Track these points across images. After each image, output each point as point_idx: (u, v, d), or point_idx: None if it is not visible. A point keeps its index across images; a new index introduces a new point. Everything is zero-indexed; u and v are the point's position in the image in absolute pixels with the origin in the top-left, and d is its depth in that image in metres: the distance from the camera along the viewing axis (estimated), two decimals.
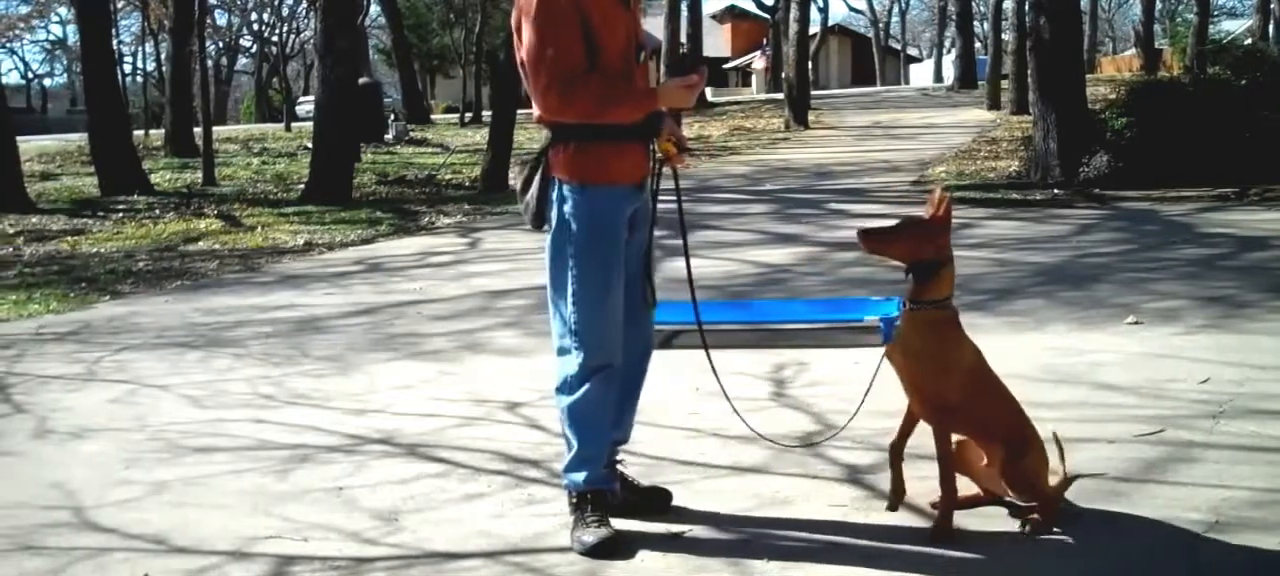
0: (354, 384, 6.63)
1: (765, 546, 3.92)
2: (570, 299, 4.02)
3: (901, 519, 4.09)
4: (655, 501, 4.31)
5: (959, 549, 3.80)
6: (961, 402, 3.96)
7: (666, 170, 4.18)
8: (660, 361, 6.67)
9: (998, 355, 6.36)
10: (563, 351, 4.10)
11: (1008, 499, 4.06)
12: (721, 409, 5.49)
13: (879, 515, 4.12)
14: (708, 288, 8.83)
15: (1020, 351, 6.51)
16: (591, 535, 3.99)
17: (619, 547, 3.96)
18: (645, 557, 3.89)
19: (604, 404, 4.12)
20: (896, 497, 4.09)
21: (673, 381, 6.18)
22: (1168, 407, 5.28)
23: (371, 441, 5.43)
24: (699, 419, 5.45)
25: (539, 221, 4.06)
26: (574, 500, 4.13)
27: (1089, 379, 5.86)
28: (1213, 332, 6.75)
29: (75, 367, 7.35)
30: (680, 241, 4.28)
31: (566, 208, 3.99)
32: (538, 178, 4.03)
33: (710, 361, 4.44)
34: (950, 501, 3.95)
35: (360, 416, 5.88)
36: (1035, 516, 3.95)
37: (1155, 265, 9.21)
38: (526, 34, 3.90)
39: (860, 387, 5.83)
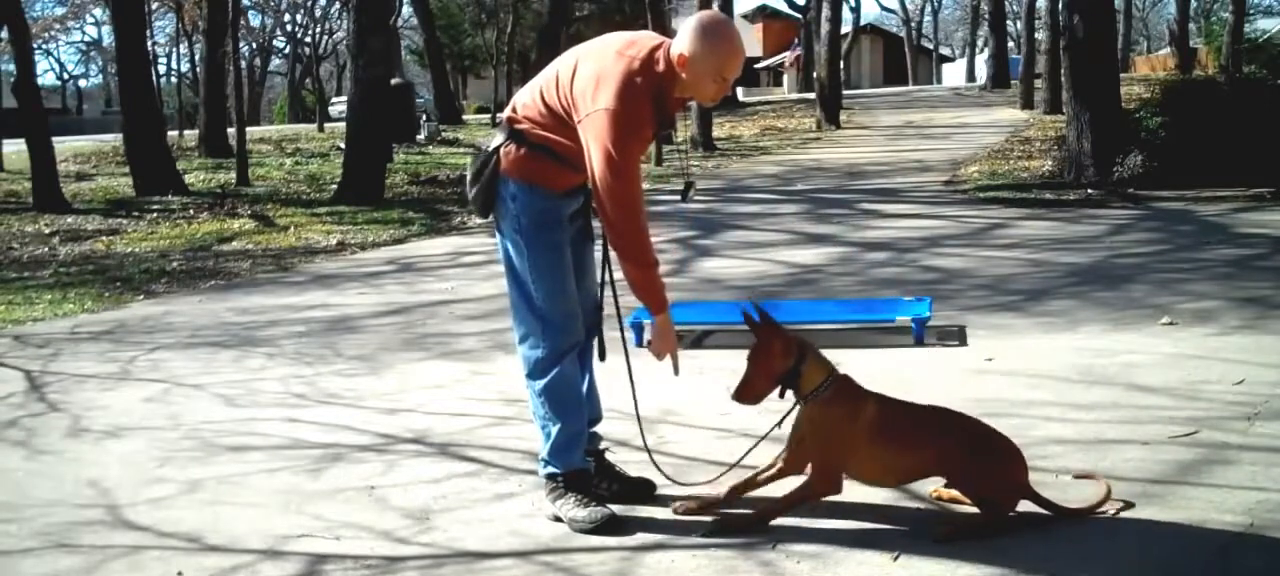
0: (386, 383, 6.66)
1: (796, 546, 3.91)
2: (531, 286, 4.18)
3: (933, 518, 4.07)
4: (640, 490, 4.42)
5: (991, 548, 3.77)
6: (862, 461, 4.03)
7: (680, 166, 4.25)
8: (692, 361, 6.69)
9: (1031, 355, 6.39)
10: (527, 338, 4.25)
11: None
12: (752, 409, 5.49)
13: (909, 514, 4.10)
14: (738, 288, 8.83)
15: (1053, 352, 6.48)
16: (586, 512, 4.15)
17: (620, 525, 4.13)
18: (676, 557, 3.88)
19: (578, 383, 4.30)
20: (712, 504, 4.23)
21: (703, 381, 6.17)
22: (1202, 409, 5.24)
23: (403, 441, 5.45)
24: (729, 419, 5.44)
25: (485, 210, 4.25)
26: (558, 483, 4.26)
27: (1122, 380, 5.82)
28: (1248, 334, 6.70)
29: (110, 367, 7.41)
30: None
31: (514, 203, 4.16)
32: (488, 173, 4.20)
33: (628, 366, 4.45)
34: (772, 509, 4.07)
35: (392, 416, 5.90)
36: (948, 529, 3.94)
37: (1190, 265, 9.14)
38: (609, 137, 3.89)
39: (889, 387, 5.83)
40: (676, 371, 4.22)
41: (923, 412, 4.16)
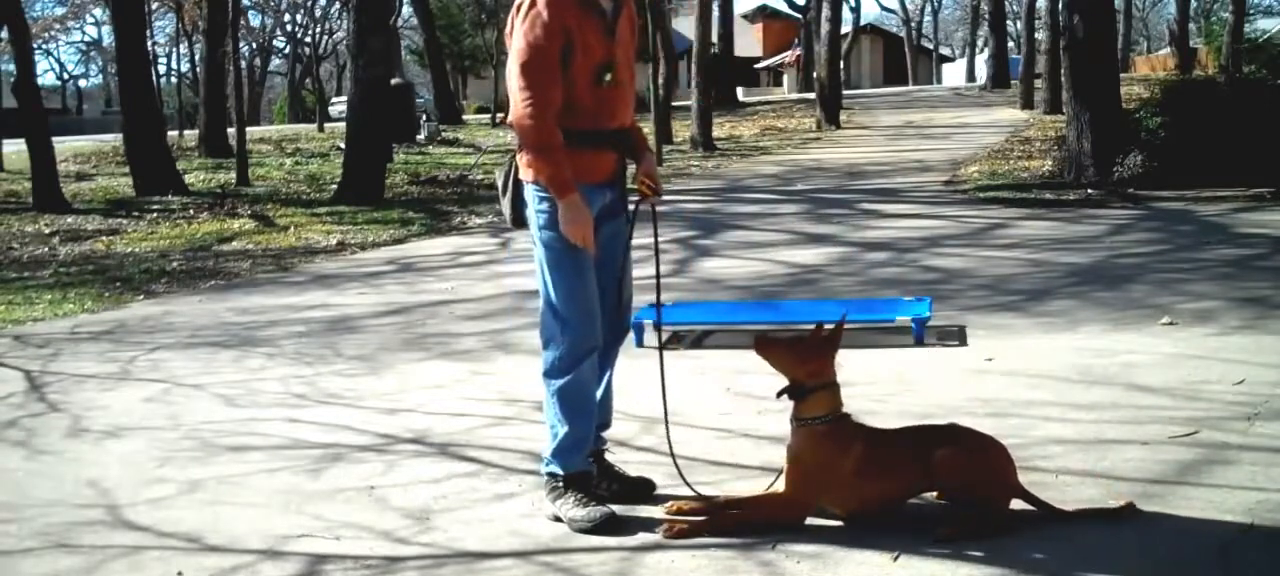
0: (386, 383, 6.66)
1: (795, 546, 3.90)
2: (551, 288, 4.22)
3: (933, 518, 4.07)
4: (640, 490, 4.43)
5: (991, 548, 3.77)
6: (849, 496, 4.03)
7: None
8: (692, 361, 6.69)
9: (1031, 355, 6.39)
10: (549, 340, 4.27)
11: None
12: (752, 409, 5.50)
13: (909, 514, 4.10)
14: (738, 288, 8.83)
15: (1053, 352, 6.48)
16: (584, 512, 4.16)
17: (620, 525, 4.13)
18: (676, 557, 3.88)
19: (592, 387, 4.31)
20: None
21: (704, 382, 6.17)
22: (1202, 409, 5.23)
23: (403, 441, 5.45)
24: (730, 419, 5.44)
25: (517, 220, 4.32)
26: (558, 483, 4.27)
27: (1122, 380, 5.82)
28: (1248, 334, 6.70)
29: (110, 367, 7.41)
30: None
31: (534, 205, 4.21)
32: (512, 182, 4.29)
33: (662, 381, 4.45)
34: (722, 518, 4.09)
35: (392, 416, 5.90)
36: (950, 530, 3.91)
37: (1190, 266, 9.14)
38: (517, 47, 4.10)
39: (889, 387, 5.84)
40: (591, 249, 4.18)
41: (906, 436, 4.17)
